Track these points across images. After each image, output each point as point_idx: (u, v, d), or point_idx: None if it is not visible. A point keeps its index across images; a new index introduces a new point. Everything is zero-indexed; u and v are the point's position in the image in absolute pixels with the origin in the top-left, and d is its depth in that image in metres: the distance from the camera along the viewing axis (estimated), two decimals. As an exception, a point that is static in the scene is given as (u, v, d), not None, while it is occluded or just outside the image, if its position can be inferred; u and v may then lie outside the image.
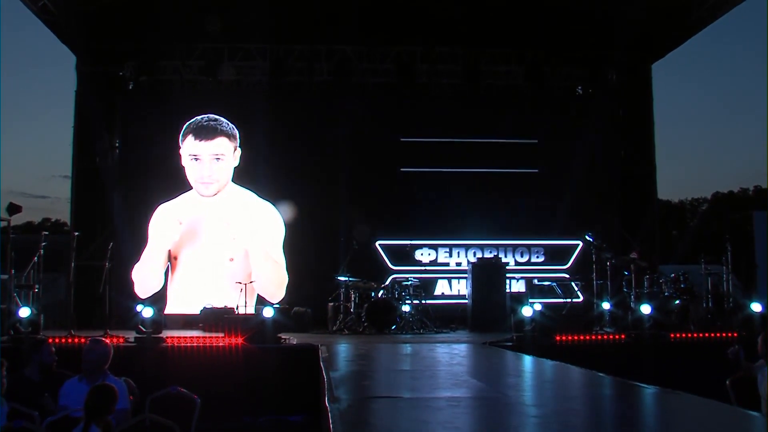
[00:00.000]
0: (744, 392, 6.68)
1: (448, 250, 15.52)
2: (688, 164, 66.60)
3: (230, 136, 15.10)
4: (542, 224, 15.56)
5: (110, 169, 15.31)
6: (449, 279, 15.45)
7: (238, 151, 15.08)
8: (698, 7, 14.94)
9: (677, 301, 12.27)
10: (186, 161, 14.98)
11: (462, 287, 15.08)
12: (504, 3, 15.43)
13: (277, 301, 14.07)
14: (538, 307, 11.16)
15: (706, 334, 11.25)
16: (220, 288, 14.10)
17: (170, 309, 14.22)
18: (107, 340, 7.03)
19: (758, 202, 30.89)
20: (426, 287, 14.28)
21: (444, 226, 15.47)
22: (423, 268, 15.01)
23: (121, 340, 10.54)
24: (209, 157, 15.00)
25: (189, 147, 14.99)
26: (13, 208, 11.40)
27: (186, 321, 13.56)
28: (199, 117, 15.09)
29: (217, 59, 15.37)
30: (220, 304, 13.30)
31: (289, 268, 14.91)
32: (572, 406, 5.45)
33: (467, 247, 15.48)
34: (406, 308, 13.13)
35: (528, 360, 8.72)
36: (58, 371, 6.96)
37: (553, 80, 16.06)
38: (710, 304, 12.76)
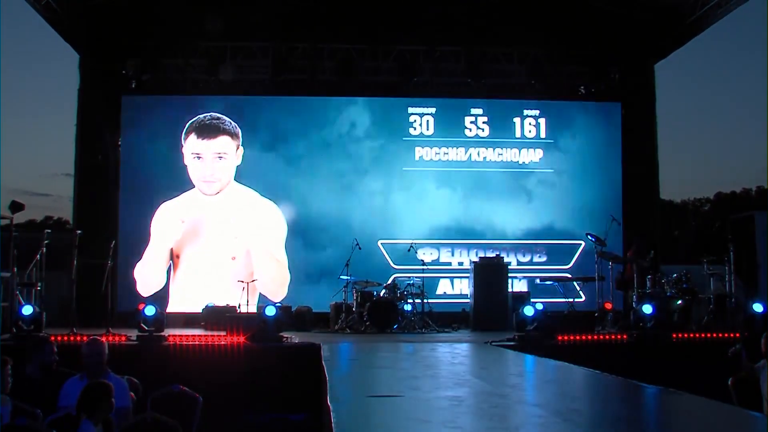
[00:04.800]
0: (746, 392, 6.68)
1: (450, 249, 15.51)
2: (690, 164, 66.43)
3: (233, 134, 15.11)
4: (545, 224, 15.56)
5: (113, 168, 15.31)
6: (451, 278, 15.44)
7: (241, 149, 15.09)
8: (701, 6, 14.92)
9: (679, 301, 12.26)
10: (188, 160, 14.99)
11: (464, 286, 15.06)
12: (506, 1, 15.43)
13: (279, 300, 14.06)
14: (540, 306, 11.15)
15: (708, 335, 11.25)
16: (222, 287, 14.11)
17: (172, 307, 14.26)
18: (101, 339, 7.04)
19: (761, 202, 30.82)
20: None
21: (446, 226, 15.46)
22: (425, 267, 15.00)
23: (123, 338, 10.57)
24: (212, 156, 15.02)
25: (191, 145, 15.00)
26: (16, 206, 11.42)
27: (188, 319, 13.58)
28: (201, 115, 15.11)
29: (220, 57, 15.36)
30: (222, 303, 13.35)
31: (291, 267, 14.91)
32: (574, 405, 5.44)
33: (469, 247, 15.46)
34: (407, 307, 13.14)
35: (530, 360, 8.72)
36: (60, 369, 6.97)
37: (556, 79, 16.04)
38: (712, 305, 12.76)
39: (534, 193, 15.70)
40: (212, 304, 13.44)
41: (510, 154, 15.79)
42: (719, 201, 39.00)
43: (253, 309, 12.62)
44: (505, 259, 14.63)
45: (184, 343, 10.49)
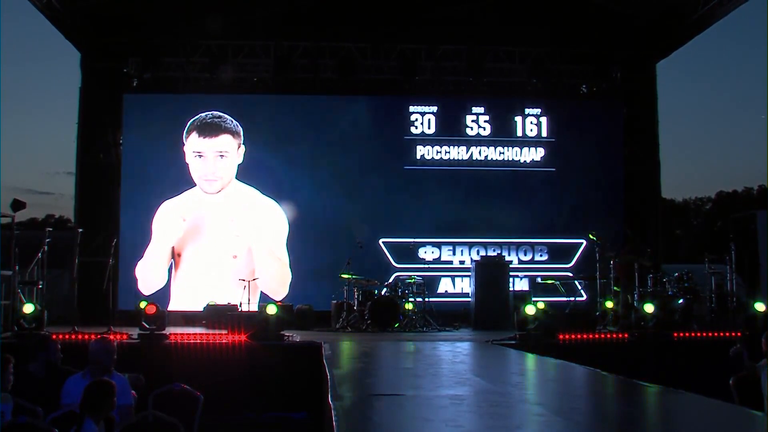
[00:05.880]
0: (747, 392, 6.67)
1: (451, 248, 15.51)
2: (692, 163, 66.51)
3: (234, 133, 15.12)
4: (546, 223, 15.57)
5: (114, 166, 15.32)
6: (452, 277, 15.44)
7: (242, 148, 15.10)
8: (703, 5, 14.90)
9: (681, 300, 12.26)
10: (190, 158, 15.00)
11: (465, 285, 15.06)
12: (508, 0, 15.42)
13: (280, 299, 14.06)
14: (541, 305, 11.14)
15: (710, 334, 11.24)
16: (224, 285, 14.12)
17: (173, 306, 14.28)
18: (111, 337, 7.07)
19: (762, 201, 30.83)
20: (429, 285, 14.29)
21: (448, 224, 15.47)
22: (426, 266, 15.01)
23: (125, 336, 10.57)
24: (213, 154, 15.03)
25: (193, 144, 15.02)
26: (18, 205, 11.42)
27: (189, 318, 13.59)
28: (203, 114, 15.13)
29: (222, 56, 15.35)
30: (223, 301, 13.35)
31: (293, 266, 14.92)
32: (575, 404, 5.45)
33: (471, 245, 15.47)
34: (409, 306, 13.14)
35: (531, 358, 8.72)
36: (63, 368, 6.98)
37: (558, 78, 16.03)
38: (714, 304, 12.75)
39: (535, 192, 15.69)
40: (213, 303, 13.44)
41: (511, 153, 15.78)
42: (720, 200, 39.01)
43: (254, 307, 12.62)
44: (507, 258, 14.65)
45: (186, 341, 10.50)
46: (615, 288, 12.74)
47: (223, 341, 10.45)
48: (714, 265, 13.32)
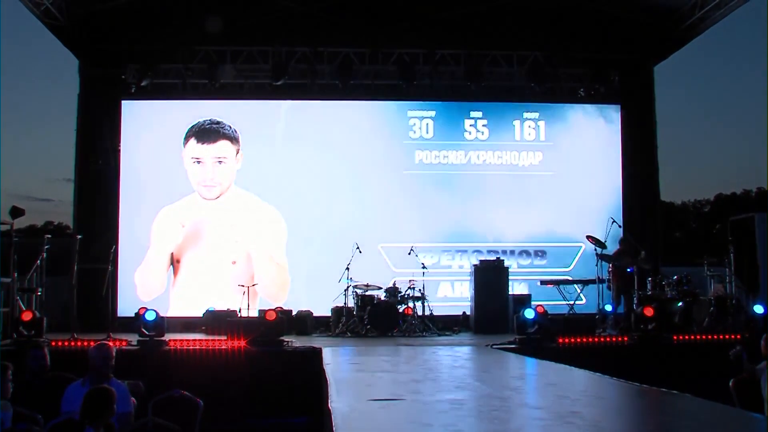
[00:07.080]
0: (747, 394, 6.68)
1: (450, 252, 15.50)
2: (690, 166, 66.53)
3: (232, 138, 15.14)
4: (545, 226, 15.56)
5: (113, 172, 15.31)
6: (452, 281, 15.43)
7: (241, 154, 15.11)
8: (700, 8, 14.94)
9: (680, 303, 12.26)
10: (188, 164, 15.01)
11: (464, 290, 15.05)
12: (505, 4, 15.45)
13: (280, 304, 14.06)
14: (540, 309, 11.15)
15: (709, 336, 11.26)
16: (223, 291, 14.11)
17: (173, 312, 14.25)
18: (110, 343, 7.05)
19: (761, 203, 30.84)
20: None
21: (447, 229, 15.46)
22: (426, 270, 14.98)
23: (124, 343, 10.57)
24: (211, 160, 15.05)
25: (191, 150, 15.03)
26: (16, 212, 11.42)
27: (188, 324, 13.59)
28: (201, 120, 15.14)
29: (219, 62, 15.37)
30: (222, 307, 13.34)
31: (292, 271, 14.92)
32: (575, 408, 5.44)
33: (470, 250, 15.46)
34: (408, 311, 13.13)
35: (531, 362, 8.72)
36: (58, 374, 6.96)
37: (555, 82, 16.04)
38: (713, 306, 12.75)
39: (534, 196, 15.68)
40: (213, 309, 13.45)
41: (510, 157, 15.79)
42: (719, 202, 39.03)
43: (253, 313, 12.62)
44: (506, 262, 14.61)
45: (185, 347, 10.50)
46: (611, 291, 12.75)
47: (223, 347, 10.44)
48: (713, 267, 13.32)
